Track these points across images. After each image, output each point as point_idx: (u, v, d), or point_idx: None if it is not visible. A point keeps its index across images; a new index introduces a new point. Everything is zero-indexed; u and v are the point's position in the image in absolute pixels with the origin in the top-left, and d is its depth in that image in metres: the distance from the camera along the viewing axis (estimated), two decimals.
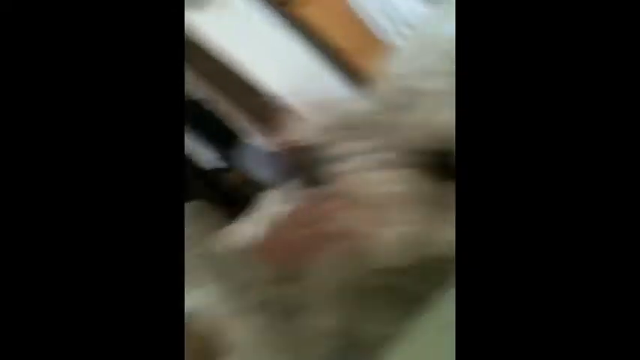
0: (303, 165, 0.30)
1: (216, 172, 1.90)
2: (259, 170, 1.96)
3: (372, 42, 1.39)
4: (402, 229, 0.29)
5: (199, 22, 1.63)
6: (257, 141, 1.86)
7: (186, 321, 0.27)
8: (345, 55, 1.70)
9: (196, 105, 1.78)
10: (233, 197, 1.91)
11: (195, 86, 1.69)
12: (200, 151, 1.92)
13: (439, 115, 0.31)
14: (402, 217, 0.29)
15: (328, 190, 0.30)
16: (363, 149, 0.30)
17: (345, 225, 0.31)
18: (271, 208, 0.78)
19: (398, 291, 0.34)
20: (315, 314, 0.33)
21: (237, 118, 1.77)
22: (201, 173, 1.94)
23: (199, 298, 0.32)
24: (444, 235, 0.31)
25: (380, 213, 0.30)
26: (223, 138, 1.90)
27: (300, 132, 0.31)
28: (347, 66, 1.70)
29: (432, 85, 0.31)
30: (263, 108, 1.76)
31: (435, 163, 0.31)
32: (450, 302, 0.30)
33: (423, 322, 0.31)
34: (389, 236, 0.30)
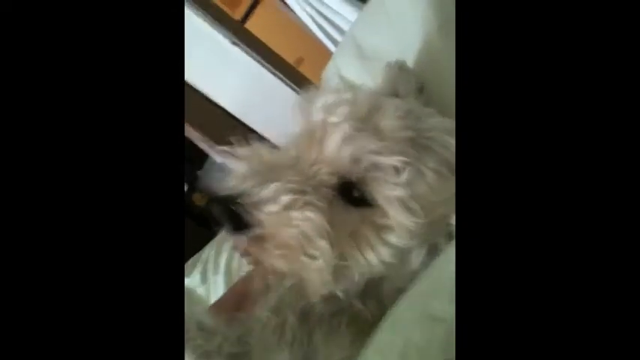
0: (230, 214, 0.32)
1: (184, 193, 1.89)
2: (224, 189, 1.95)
3: (320, 53, 1.42)
4: (322, 263, 0.32)
5: None
6: (221, 160, 1.86)
7: None
8: (291, 65, 1.73)
9: None
10: (200, 217, 1.90)
11: None
12: None
13: (339, 149, 0.33)
14: (320, 251, 0.32)
15: (255, 233, 0.32)
16: (279, 192, 0.32)
17: (277, 267, 0.33)
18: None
19: (343, 314, 0.36)
20: (267, 355, 0.34)
21: (197, 140, 1.76)
22: None
23: None
24: (364, 256, 0.34)
25: (303, 249, 0.32)
26: (187, 159, 1.89)
27: (226, 183, 0.33)
28: (299, 77, 1.73)
29: (335, 119, 0.33)
30: (222, 128, 1.76)
31: (342, 194, 0.35)
32: (395, 322, 0.32)
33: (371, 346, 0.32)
34: (314, 271, 0.32)
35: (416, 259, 0.34)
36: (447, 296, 0.28)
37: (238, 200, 0.33)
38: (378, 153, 0.32)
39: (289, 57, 1.71)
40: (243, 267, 0.82)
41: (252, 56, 1.54)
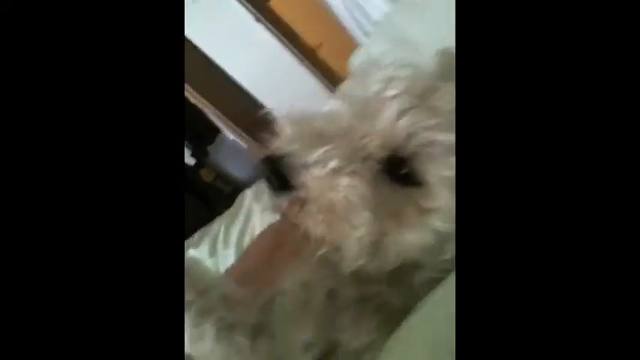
0: (276, 173, 0.31)
1: (190, 168, 1.89)
2: (232, 166, 1.95)
3: (341, 39, 1.40)
4: (363, 233, 0.31)
5: None
6: (231, 137, 1.86)
7: None
8: (315, 52, 1.72)
9: None
10: (206, 193, 1.90)
11: None
12: None
13: (394, 121, 0.33)
14: (363, 221, 0.31)
15: (298, 195, 0.31)
16: (327, 157, 0.32)
17: (313, 233, 0.33)
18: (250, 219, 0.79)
19: (372, 300, 0.35)
20: (291, 329, 0.34)
21: (211, 114, 1.76)
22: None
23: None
24: (404, 236, 0.33)
25: (344, 218, 0.32)
26: (197, 134, 1.88)
27: (273, 143, 0.32)
28: (318, 63, 1.72)
29: (392, 92, 0.33)
30: (237, 104, 1.75)
31: (389, 170, 0.34)
32: (427, 310, 0.31)
33: (403, 333, 0.31)
34: (353, 240, 0.31)
35: (452, 248, 0.34)
36: None
37: (285, 160, 0.33)
38: (436, 129, 0.32)
39: (310, 40, 1.70)
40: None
41: (274, 35, 1.53)
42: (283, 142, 0.34)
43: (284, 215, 0.34)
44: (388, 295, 0.34)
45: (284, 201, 0.33)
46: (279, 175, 0.33)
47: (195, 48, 1.55)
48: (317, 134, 0.33)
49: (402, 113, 0.32)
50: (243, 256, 0.47)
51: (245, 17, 1.50)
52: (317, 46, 1.68)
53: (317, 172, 0.32)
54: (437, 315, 0.30)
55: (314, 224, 0.32)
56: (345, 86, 0.77)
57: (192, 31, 1.52)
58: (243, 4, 1.45)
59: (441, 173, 0.32)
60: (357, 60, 0.77)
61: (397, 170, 0.33)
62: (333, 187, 0.32)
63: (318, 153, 0.32)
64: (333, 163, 0.32)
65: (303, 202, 0.33)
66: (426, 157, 0.32)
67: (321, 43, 1.68)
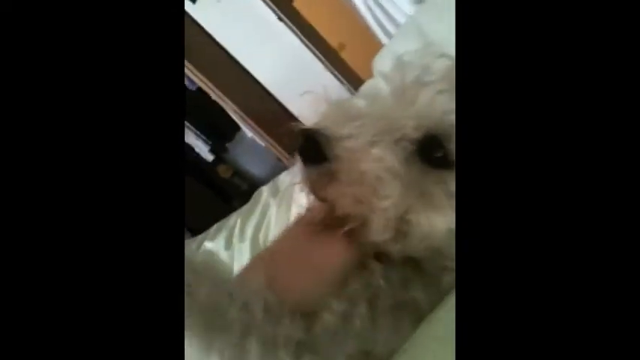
0: (311, 144, 0.31)
1: (208, 164, 1.91)
2: (250, 163, 1.96)
3: (364, 41, 1.40)
4: (390, 204, 0.30)
5: (197, 14, 1.64)
6: (249, 135, 1.87)
7: None
8: (338, 53, 1.72)
9: (191, 97, 1.79)
10: (223, 189, 1.92)
11: (190, 78, 1.69)
12: (194, 143, 1.93)
13: (432, 102, 0.33)
14: (390, 191, 0.31)
15: (332, 167, 0.31)
16: (361, 132, 0.32)
17: (340, 207, 0.32)
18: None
19: (408, 306, 0.34)
20: (334, 344, 0.32)
21: (231, 111, 1.78)
22: (195, 166, 1.94)
23: None
24: (430, 218, 0.33)
25: (372, 189, 0.31)
26: (217, 130, 1.90)
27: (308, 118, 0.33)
28: (340, 64, 1.72)
29: (430, 78, 0.33)
30: (257, 103, 1.77)
31: (422, 152, 0.33)
32: (447, 314, 0.30)
33: (421, 335, 0.31)
34: (380, 211, 0.31)
35: None
36: None
37: (320, 132, 0.33)
38: None
39: (332, 41, 1.70)
40: (270, 238, 0.83)
41: (296, 34, 1.54)
42: (320, 118, 0.34)
43: (312, 190, 0.34)
44: (421, 301, 0.34)
45: (315, 173, 0.33)
46: (313, 147, 0.33)
47: (217, 45, 1.56)
48: (355, 114, 0.34)
49: (438, 96, 0.32)
50: (267, 260, 0.42)
51: (268, 16, 1.51)
52: (339, 47, 1.68)
53: (350, 144, 0.32)
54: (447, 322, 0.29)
55: (342, 197, 0.33)
56: (368, 85, 0.77)
57: (216, 29, 1.54)
58: (267, 4, 1.46)
59: None
60: (380, 60, 0.77)
61: (432, 153, 0.33)
62: (364, 158, 0.32)
63: (353, 126, 0.32)
64: (365, 138, 0.32)
65: (333, 175, 0.33)
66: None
67: (343, 44, 1.68)
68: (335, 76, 1.62)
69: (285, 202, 0.79)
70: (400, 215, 0.33)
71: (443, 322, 0.30)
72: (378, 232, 0.33)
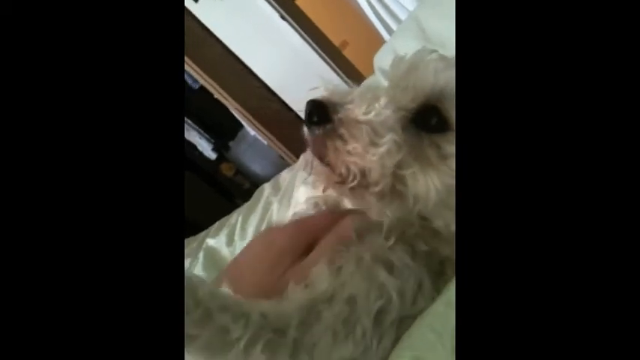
0: (318, 108, 0.36)
1: (211, 162, 1.91)
2: (252, 162, 1.97)
3: (366, 38, 1.40)
4: (386, 151, 0.36)
5: (199, 13, 1.64)
6: (252, 133, 1.88)
7: None
8: (340, 51, 1.72)
9: (194, 95, 1.79)
10: (226, 187, 1.92)
11: (192, 77, 1.70)
12: (196, 142, 1.93)
13: (435, 75, 0.37)
14: (387, 140, 0.36)
15: (334, 127, 0.36)
16: (364, 99, 0.37)
17: (345, 163, 0.36)
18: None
19: (412, 319, 0.36)
20: (331, 345, 0.34)
21: (233, 110, 1.78)
22: (197, 164, 1.95)
23: None
24: (424, 176, 0.36)
25: (369, 140, 0.36)
26: (220, 129, 1.91)
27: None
28: (342, 62, 1.72)
29: (431, 56, 0.38)
30: (259, 101, 1.77)
31: (418, 120, 0.38)
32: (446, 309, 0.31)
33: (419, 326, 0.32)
34: (377, 157, 0.36)
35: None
36: None
37: (327, 98, 0.36)
38: None
39: (335, 39, 1.70)
40: None
41: (298, 33, 1.54)
42: (329, 92, 0.37)
43: (316, 151, 0.37)
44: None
45: (318, 134, 0.36)
46: (319, 110, 0.36)
47: (220, 44, 1.57)
48: (362, 88, 0.37)
49: (443, 67, 0.36)
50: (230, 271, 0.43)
51: (270, 14, 1.51)
52: (342, 45, 1.68)
53: (351, 107, 0.36)
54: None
55: (342, 153, 0.35)
56: (368, 82, 0.77)
57: (218, 27, 1.54)
58: (270, 2, 1.46)
59: None
60: (381, 57, 0.77)
61: (428, 121, 0.36)
62: (362, 115, 0.35)
63: (356, 92, 0.36)
64: (366, 103, 0.35)
65: (335, 133, 0.36)
66: (453, 104, 0.35)
67: (346, 42, 1.68)
68: (338, 74, 1.62)
69: (286, 199, 0.79)
70: (395, 168, 0.35)
71: (440, 316, 0.30)
72: (375, 182, 0.35)
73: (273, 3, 1.47)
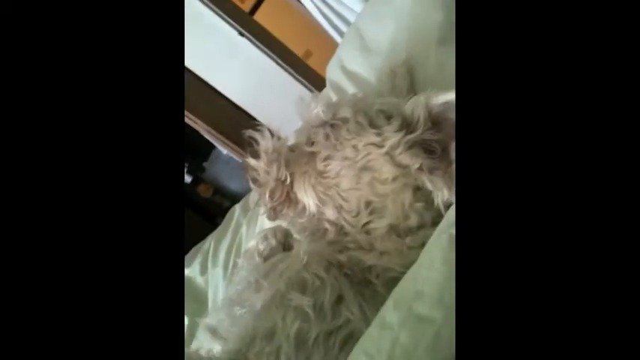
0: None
1: (187, 185, 1.89)
2: (229, 179, 1.95)
3: (328, 46, 1.40)
4: (277, 167, 0.44)
5: None
6: (225, 152, 1.86)
7: None
8: (304, 61, 1.71)
9: None
10: (206, 208, 1.90)
11: None
12: None
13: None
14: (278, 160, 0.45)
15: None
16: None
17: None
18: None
19: (341, 330, 0.37)
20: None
21: (203, 131, 1.77)
22: None
23: None
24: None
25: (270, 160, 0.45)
26: (192, 151, 1.89)
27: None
28: (307, 72, 1.71)
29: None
30: (228, 119, 1.76)
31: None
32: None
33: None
34: (271, 176, 0.45)
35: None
36: (435, 297, 0.28)
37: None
38: None
39: (298, 50, 1.70)
40: (239, 263, 0.83)
41: (259, 48, 1.53)
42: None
43: (250, 174, 0.45)
44: (354, 323, 0.34)
45: (252, 162, 0.45)
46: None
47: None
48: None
49: None
50: None
51: (229, 32, 1.50)
52: (306, 55, 1.68)
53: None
54: (391, 320, 0.30)
55: (260, 172, 0.43)
56: (322, 95, 0.77)
57: None
58: (227, 20, 1.46)
59: None
60: (331, 69, 0.77)
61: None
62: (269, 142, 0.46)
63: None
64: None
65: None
66: None
67: (310, 52, 1.68)
68: (304, 84, 1.62)
69: (253, 220, 0.78)
70: (284, 181, 0.42)
71: (374, 341, 0.30)
72: (269, 191, 0.42)
73: (230, 21, 1.46)
